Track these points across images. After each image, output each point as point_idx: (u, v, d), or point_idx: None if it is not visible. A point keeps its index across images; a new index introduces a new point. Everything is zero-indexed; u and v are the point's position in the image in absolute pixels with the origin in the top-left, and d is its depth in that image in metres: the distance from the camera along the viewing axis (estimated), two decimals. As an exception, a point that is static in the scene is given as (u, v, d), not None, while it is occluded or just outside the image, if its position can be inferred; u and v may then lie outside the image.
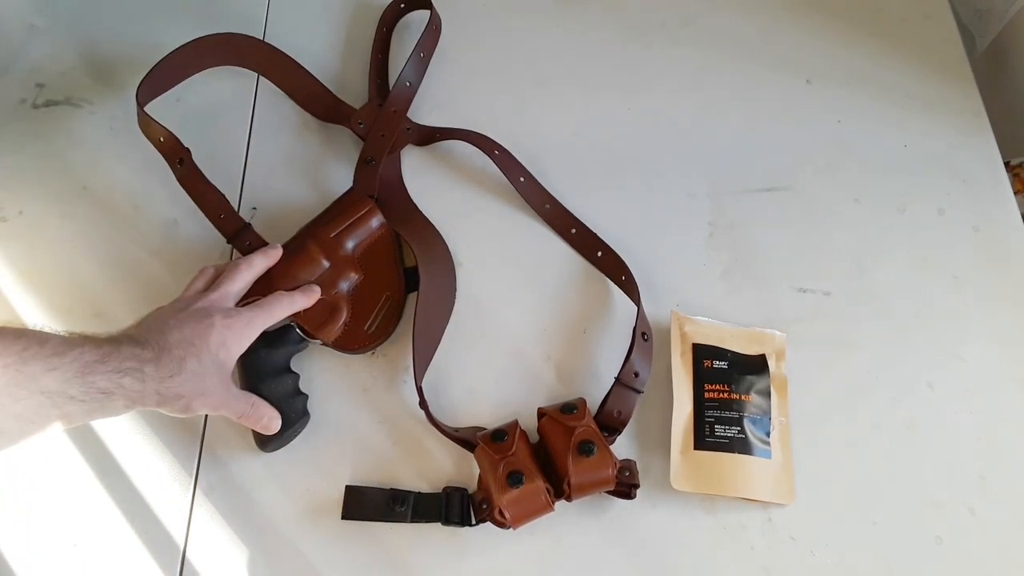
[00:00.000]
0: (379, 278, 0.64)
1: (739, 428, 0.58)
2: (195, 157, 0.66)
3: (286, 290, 0.59)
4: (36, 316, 0.63)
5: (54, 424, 0.44)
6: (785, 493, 0.57)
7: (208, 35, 0.68)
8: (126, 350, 0.47)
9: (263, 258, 0.60)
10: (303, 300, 0.59)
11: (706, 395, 0.59)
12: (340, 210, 0.64)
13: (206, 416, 0.60)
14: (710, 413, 0.59)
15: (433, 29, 0.75)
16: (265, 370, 0.58)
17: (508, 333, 0.64)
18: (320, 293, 0.61)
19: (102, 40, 0.77)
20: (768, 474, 0.57)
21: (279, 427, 0.56)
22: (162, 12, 0.78)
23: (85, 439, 0.59)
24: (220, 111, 0.73)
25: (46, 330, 0.45)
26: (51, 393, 0.43)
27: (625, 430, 0.58)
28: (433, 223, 0.68)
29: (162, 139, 0.65)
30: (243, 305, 0.57)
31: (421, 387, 0.58)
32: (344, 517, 0.56)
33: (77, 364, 0.44)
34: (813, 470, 0.58)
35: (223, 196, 0.65)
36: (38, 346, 0.43)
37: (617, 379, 0.58)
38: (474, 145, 0.69)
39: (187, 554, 0.56)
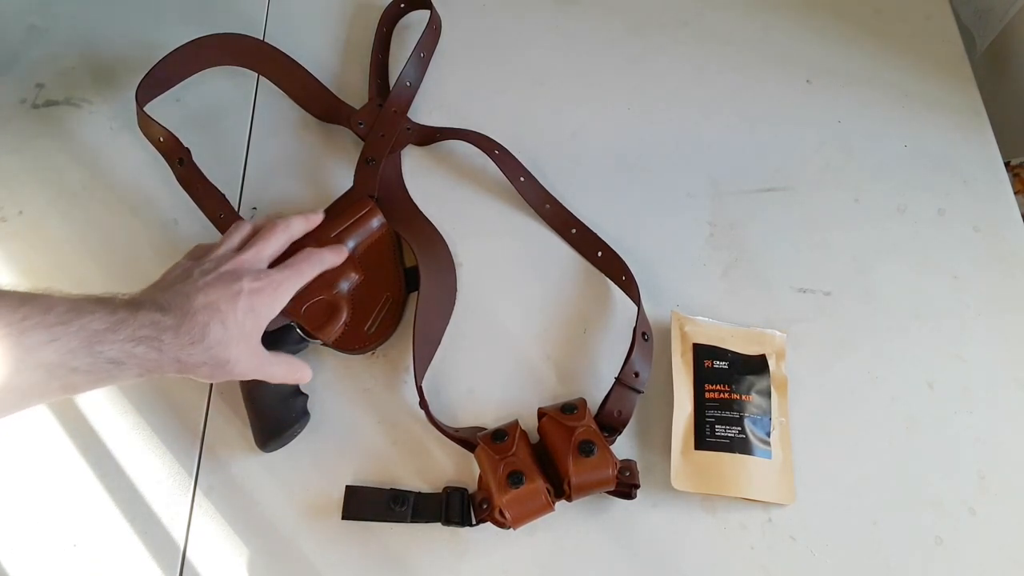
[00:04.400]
0: (379, 278, 0.64)
1: (739, 428, 0.58)
2: (195, 157, 0.66)
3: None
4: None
5: (55, 395, 0.42)
6: (785, 493, 0.57)
7: (208, 35, 0.68)
8: (144, 316, 0.45)
9: (302, 221, 0.58)
10: (333, 257, 0.58)
11: (706, 395, 0.59)
12: (340, 210, 0.64)
13: (206, 416, 0.60)
14: (711, 413, 0.59)
15: (433, 29, 0.76)
16: (265, 370, 0.58)
17: (508, 333, 0.64)
18: (347, 254, 0.60)
19: (102, 40, 0.77)
20: (768, 474, 0.57)
21: (310, 376, 0.56)
22: (162, 12, 0.78)
23: (85, 439, 0.59)
24: (220, 111, 0.73)
25: (56, 295, 0.43)
26: (51, 366, 0.41)
27: (625, 430, 0.58)
28: (433, 223, 0.68)
29: (162, 139, 0.65)
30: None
31: (421, 387, 0.58)
32: (344, 517, 0.56)
33: (84, 333, 0.41)
34: (813, 470, 0.59)
35: (223, 196, 0.65)
36: (41, 314, 0.40)
37: (617, 379, 0.58)
38: (474, 145, 0.69)
39: (187, 554, 0.56)
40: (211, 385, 0.61)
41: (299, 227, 0.58)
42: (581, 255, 0.67)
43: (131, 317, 0.44)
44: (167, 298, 0.48)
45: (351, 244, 0.63)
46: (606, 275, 0.66)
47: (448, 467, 0.59)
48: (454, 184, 0.70)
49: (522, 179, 0.69)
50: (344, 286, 0.62)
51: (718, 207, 0.69)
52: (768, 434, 0.58)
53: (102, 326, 0.42)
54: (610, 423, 0.57)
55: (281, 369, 0.54)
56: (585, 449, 0.53)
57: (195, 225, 0.66)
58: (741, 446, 0.57)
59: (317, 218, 0.60)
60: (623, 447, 0.59)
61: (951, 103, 0.75)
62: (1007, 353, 0.63)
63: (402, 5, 0.78)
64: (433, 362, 0.62)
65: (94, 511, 0.57)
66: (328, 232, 0.63)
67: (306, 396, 0.60)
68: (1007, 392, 0.62)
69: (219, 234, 0.64)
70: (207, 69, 0.70)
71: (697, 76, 0.76)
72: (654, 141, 0.73)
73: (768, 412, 0.59)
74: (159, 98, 0.67)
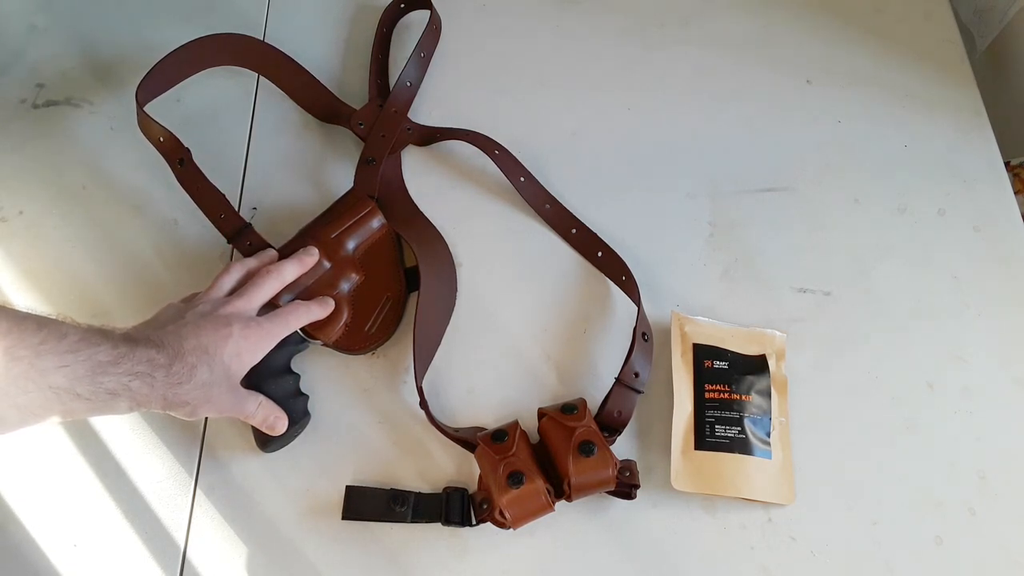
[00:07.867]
0: (380, 279, 0.64)
1: (739, 428, 0.58)
2: (195, 157, 0.66)
3: (289, 293, 0.60)
4: (36, 316, 0.63)
5: (55, 417, 0.44)
6: (785, 493, 0.57)
7: (208, 35, 0.68)
8: (141, 352, 0.46)
9: (296, 266, 0.59)
10: (319, 311, 0.59)
11: (706, 395, 0.59)
12: (341, 211, 0.64)
13: (207, 417, 0.60)
14: (710, 413, 0.59)
15: (433, 29, 0.76)
16: (266, 370, 0.57)
17: (508, 333, 0.64)
18: (333, 306, 0.61)
19: (102, 40, 0.77)
20: (768, 474, 0.57)
21: (285, 428, 0.56)
22: (162, 12, 0.78)
23: (85, 439, 0.59)
24: (220, 111, 0.73)
25: (67, 322, 0.45)
26: (59, 389, 0.42)
27: (625, 430, 0.58)
28: (433, 223, 0.68)
29: (162, 139, 0.65)
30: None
31: (421, 387, 0.58)
32: (344, 517, 0.56)
33: (90, 363, 0.43)
34: (813, 470, 0.59)
35: (223, 196, 0.65)
36: (56, 340, 0.42)
37: (617, 379, 0.58)
38: (474, 145, 0.69)
39: (187, 554, 0.56)
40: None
41: (292, 272, 0.59)
42: (581, 255, 0.67)
43: (131, 352, 0.46)
44: (161, 336, 0.50)
45: (351, 245, 0.63)
46: (606, 275, 0.66)
47: (448, 467, 0.59)
48: (454, 184, 0.70)
49: (522, 179, 0.69)
50: (344, 287, 0.62)
51: (718, 207, 0.69)
52: (768, 434, 0.58)
53: (106, 358, 0.44)
54: (610, 423, 0.57)
55: (251, 406, 0.55)
56: (585, 449, 0.53)
57: (195, 225, 0.67)
58: (741, 446, 0.57)
59: (311, 260, 0.60)
60: (623, 447, 0.59)
61: (951, 103, 0.74)
62: (1007, 353, 0.63)
63: (402, 5, 0.78)
64: (433, 362, 0.62)
65: (94, 511, 0.57)
66: (329, 232, 0.63)
67: (306, 396, 0.60)
68: (1007, 392, 0.62)
69: (219, 234, 0.64)
70: (207, 69, 0.70)
71: (697, 76, 0.76)
72: (654, 141, 0.73)
73: (768, 412, 0.59)
74: (159, 98, 0.67)
